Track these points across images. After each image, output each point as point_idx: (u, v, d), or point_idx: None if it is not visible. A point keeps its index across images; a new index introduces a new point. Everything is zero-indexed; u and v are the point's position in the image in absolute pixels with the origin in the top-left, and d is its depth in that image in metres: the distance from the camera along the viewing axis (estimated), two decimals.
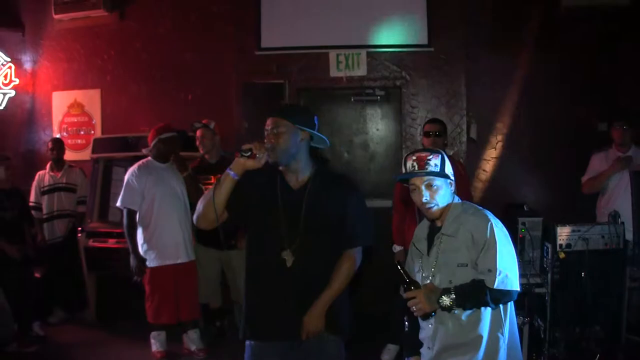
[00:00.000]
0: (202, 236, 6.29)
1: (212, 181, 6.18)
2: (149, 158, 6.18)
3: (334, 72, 7.77)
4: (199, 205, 3.39)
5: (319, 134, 3.51)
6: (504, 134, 7.72)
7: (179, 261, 6.11)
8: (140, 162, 6.19)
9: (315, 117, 3.53)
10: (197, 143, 6.44)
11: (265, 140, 3.34)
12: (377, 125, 8.18)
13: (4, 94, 8.93)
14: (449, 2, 7.64)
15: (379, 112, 8.19)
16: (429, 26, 7.67)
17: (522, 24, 7.65)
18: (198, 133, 6.40)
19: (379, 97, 8.09)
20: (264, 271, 3.47)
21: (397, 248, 5.94)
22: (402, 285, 3.08)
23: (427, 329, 3.22)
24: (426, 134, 5.85)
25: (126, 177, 6.10)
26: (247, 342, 3.58)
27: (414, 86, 7.74)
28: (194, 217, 3.45)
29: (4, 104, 8.94)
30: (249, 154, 3.26)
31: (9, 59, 9.00)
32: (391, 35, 7.71)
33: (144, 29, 8.61)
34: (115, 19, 8.71)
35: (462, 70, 7.68)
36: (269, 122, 3.37)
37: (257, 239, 3.51)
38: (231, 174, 3.29)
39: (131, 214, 6.05)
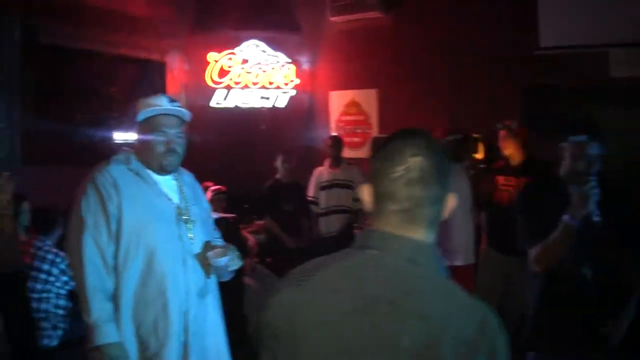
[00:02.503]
0: (495, 240, 6.14)
1: (512, 183, 6.04)
2: None
3: (615, 72, 7.24)
4: (538, 249, 3.30)
5: None
6: None
7: (456, 263, 5.96)
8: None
9: None
10: (500, 144, 6.30)
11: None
12: None
13: (285, 93, 9.34)
14: None
15: None
16: None
17: None
18: (500, 134, 6.25)
19: None
20: (565, 283, 3.30)
21: None
22: None
23: None
24: None
25: None
26: (531, 354, 3.47)
27: None
28: (533, 259, 3.38)
29: (285, 103, 9.35)
30: None
31: (289, 60, 9.40)
32: None
33: (419, 30, 8.58)
34: (390, 20, 8.81)
35: None
36: None
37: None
38: (575, 224, 3.09)
39: None
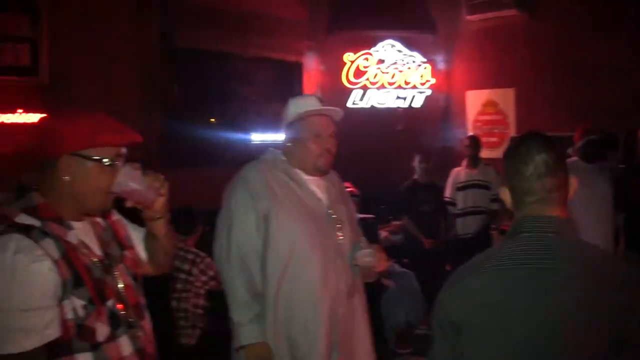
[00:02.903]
0: (634, 241, 5.92)
1: None
2: (575, 158, 5.96)
3: None
4: None
5: None
6: None
7: None
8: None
9: None
10: (639, 143, 6.06)
11: None
12: None
13: (421, 93, 9.39)
14: None
15: None
16: None
17: None
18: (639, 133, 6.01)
19: None
20: None
21: None
22: None
23: None
24: None
25: None
26: None
27: None
28: None
29: (421, 102, 9.39)
30: None
31: (424, 60, 9.44)
32: None
33: (557, 28, 8.42)
34: (526, 18, 8.69)
35: None
36: None
37: None
38: None
39: None
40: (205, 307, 4.91)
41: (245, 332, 2.98)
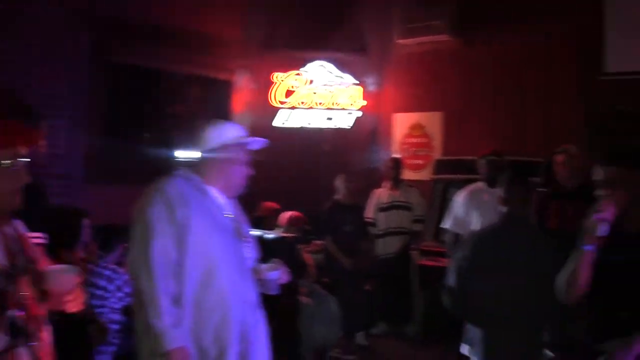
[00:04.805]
0: None
1: (567, 207, 5.87)
2: (480, 182, 6.18)
3: None
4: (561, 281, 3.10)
5: None
6: None
7: None
8: (471, 185, 6.27)
9: None
10: (555, 168, 6.08)
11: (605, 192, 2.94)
12: None
13: (350, 114, 9.40)
14: None
15: None
16: None
17: None
18: (557, 158, 6.02)
19: None
20: None
21: None
22: None
23: None
24: None
25: (454, 199, 6.30)
26: None
27: None
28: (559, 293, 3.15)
29: (350, 123, 9.41)
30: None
31: (356, 81, 9.45)
32: None
33: (486, 54, 8.60)
34: (458, 44, 8.81)
35: None
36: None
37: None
38: (590, 249, 2.88)
39: (456, 236, 6.14)
40: (121, 322, 4.75)
41: (171, 337, 3.01)
